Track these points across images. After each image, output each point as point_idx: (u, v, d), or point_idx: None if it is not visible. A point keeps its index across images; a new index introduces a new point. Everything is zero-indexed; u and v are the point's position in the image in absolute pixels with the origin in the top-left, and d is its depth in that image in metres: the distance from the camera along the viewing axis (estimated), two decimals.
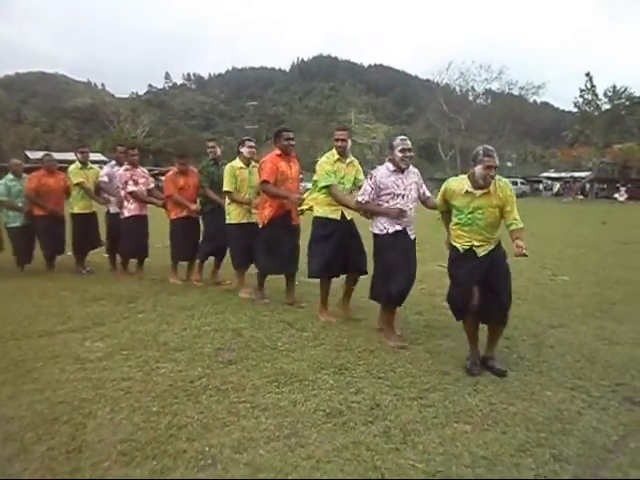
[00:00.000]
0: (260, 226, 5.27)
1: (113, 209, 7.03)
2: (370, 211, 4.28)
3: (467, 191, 3.62)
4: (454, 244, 3.74)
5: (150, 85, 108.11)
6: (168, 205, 6.53)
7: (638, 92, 63.63)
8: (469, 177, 3.64)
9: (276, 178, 5.07)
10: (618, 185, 42.82)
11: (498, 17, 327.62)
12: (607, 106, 61.93)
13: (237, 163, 5.73)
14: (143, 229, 6.84)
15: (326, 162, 4.73)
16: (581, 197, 44.84)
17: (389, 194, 4.17)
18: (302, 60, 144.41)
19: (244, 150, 5.76)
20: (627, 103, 63.56)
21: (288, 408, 3.08)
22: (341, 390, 3.34)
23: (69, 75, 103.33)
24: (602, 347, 4.27)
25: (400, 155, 4.14)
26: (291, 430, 2.81)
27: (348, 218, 4.76)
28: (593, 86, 62.32)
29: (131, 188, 6.60)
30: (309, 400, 3.19)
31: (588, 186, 47.84)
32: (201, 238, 6.54)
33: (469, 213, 3.64)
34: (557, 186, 51.37)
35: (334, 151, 4.79)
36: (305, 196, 5.07)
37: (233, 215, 5.70)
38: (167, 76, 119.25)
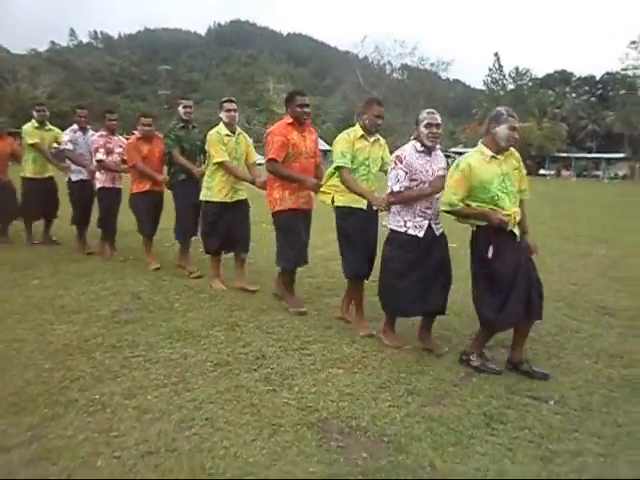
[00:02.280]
0: (273, 211, 4.32)
1: (75, 176, 6.29)
2: (407, 199, 3.56)
3: (492, 156, 3.29)
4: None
5: (52, 42, 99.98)
6: (131, 176, 5.76)
7: (540, 74, 68.06)
8: (485, 144, 3.34)
9: (287, 154, 4.17)
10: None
11: None
12: (512, 86, 65.73)
13: (222, 129, 4.81)
14: (114, 204, 6.08)
15: (345, 139, 3.91)
16: None
17: (415, 180, 3.54)
18: (219, 24, 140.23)
19: (222, 115, 4.83)
20: (530, 84, 67.82)
21: (178, 360, 3.33)
22: (230, 344, 3.64)
23: None
24: (467, 302, 4.86)
25: (425, 131, 3.51)
26: (179, 379, 3.07)
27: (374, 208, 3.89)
28: (501, 66, 65.80)
29: (100, 157, 5.86)
30: (199, 353, 3.46)
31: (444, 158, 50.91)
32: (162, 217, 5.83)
33: (501, 183, 3.27)
34: None
35: (357, 127, 3.97)
36: (324, 181, 4.14)
37: (215, 191, 4.77)
38: (72, 33, 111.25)
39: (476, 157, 3.31)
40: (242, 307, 4.41)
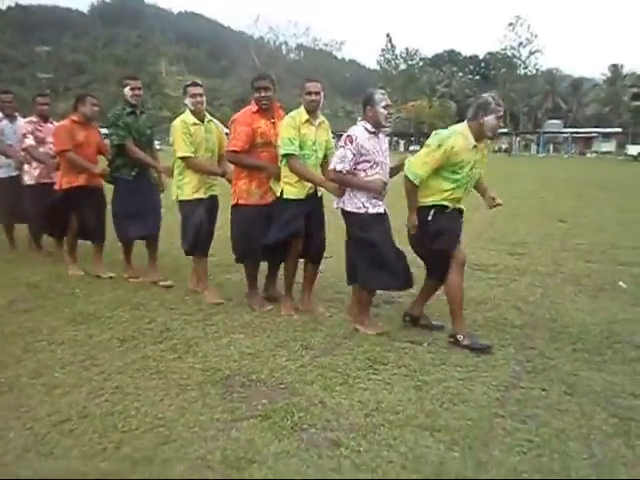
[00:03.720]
0: (232, 204, 4.08)
1: (4, 172, 5.61)
2: (347, 184, 3.57)
3: (475, 146, 3.38)
4: (442, 203, 3.50)
5: None
6: (60, 167, 4.86)
7: (429, 54, 71.33)
8: (470, 129, 3.39)
9: (253, 143, 3.91)
10: (412, 139, 48.83)
11: None
12: (403, 66, 68.43)
13: (189, 117, 4.25)
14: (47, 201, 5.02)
15: (290, 125, 3.74)
16: None
17: (368, 162, 3.52)
18: (103, 1, 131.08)
19: (187, 101, 4.27)
20: (421, 64, 70.95)
21: (84, 340, 3.45)
22: (135, 321, 3.79)
23: None
24: None
25: (385, 112, 3.52)
26: (86, 356, 3.20)
27: (318, 195, 3.93)
28: (393, 46, 68.25)
29: (29, 142, 5.17)
30: (105, 333, 3.58)
31: (387, 139, 53.13)
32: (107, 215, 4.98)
33: (470, 169, 3.41)
34: None
35: (301, 110, 3.81)
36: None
37: (187, 189, 4.27)
38: None
39: (461, 142, 3.34)
40: (145, 288, 4.55)
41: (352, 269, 3.73)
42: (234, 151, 3.93)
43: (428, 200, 3.53)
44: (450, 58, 75.06)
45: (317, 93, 3.79)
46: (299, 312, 4.06)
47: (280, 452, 2.27)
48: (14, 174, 5.59)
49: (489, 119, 3.30)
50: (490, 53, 70.41)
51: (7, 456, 2.22)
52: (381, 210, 3.59)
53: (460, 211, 3.66)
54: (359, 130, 3.55)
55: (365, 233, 3.56)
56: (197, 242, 4.31)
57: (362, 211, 3.55)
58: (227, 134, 4.34)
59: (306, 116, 3.80)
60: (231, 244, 4.21)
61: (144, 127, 4.73)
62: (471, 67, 75.36)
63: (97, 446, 2.29)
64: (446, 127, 3.64)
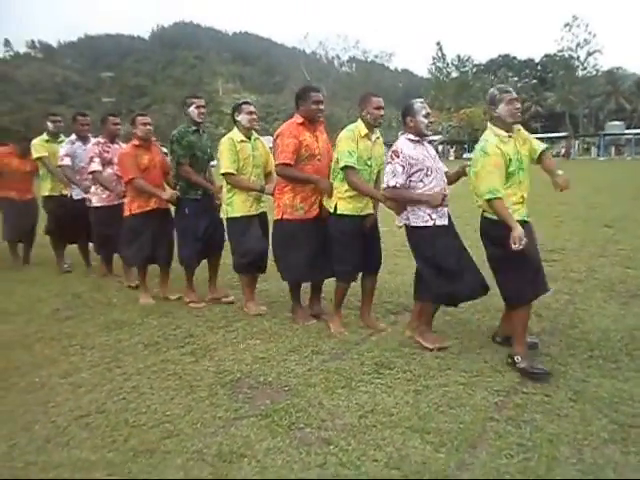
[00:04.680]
0: (276, 219, 4.07)
1: (77, 194, 5.69)
2: (405, 199, 3.50)
3: (509, 136, 3.28)
4: (515, 217, 3.18)
5: None
6: (127, 194, 4.79)
7: (482, 60, 70.11)
8: (495, 125, 3.31)
9: (299, 156, 3.90)
10: (465, 146, 48.10)
11: None
12: (456, 74, 67.58)
13: (236, 135, 4.32)
14: (116, 224, 4.97)
15: (350, 137, 3.73)
16: None
17: (421, 170, 3.46)
18: (162, 27, 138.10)
19: (242, 118, 4.33)
20: (474, 70, 69.83)
21: (113, 345, 3.73)
22: (162, 328, 4.06)
23: None
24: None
25: (425, 121, 3.53)
26: (112, 359, 3.48)
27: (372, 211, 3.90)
28: (443, 55, 67.56)
29: (95, 167, 5.15)
30: (133, 338, 3.87)
31: (440, 148, 52.40)
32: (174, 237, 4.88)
33: (518, 161, 3.26)
34: None
35: (360, 124, 3.78)
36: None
37: (237, 205, 4.29)
38: (7, 43, 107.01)
39: (495, 139, 3.25)
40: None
41: (419, 284, 3.70)
42: (285, 164, 3.87)
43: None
44: (505, 63, 73.38)
45: (383, 108, 3.80)
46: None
47: (271, 448, 2.41)
48: (82, 197, 5.63)
49: (501, 108, 3.27)
50: (547, 55, 68.30)
51: (30, 446, 2.48)
52: (446, 222, 3.54)
53: (527, 223, 3.33)
54: (403, 142, 3.54)
55: (432, 247, 3.48)
56: (251, 260, 4.32)
57: (430, 224, 3.47)
58: (270, 148, 4.46)
59: (365, 130, 3.77)
60: (273, 259, 4.24)
61: (206, 145, 4.76)
62: (527, 71, 73.30)
63: (108, 438, 2.52)
64: None
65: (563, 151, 47.43)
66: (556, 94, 60.81)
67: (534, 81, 70.87)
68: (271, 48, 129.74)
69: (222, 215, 4.45)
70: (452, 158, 48.60)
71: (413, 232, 3.55)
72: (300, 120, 3.95)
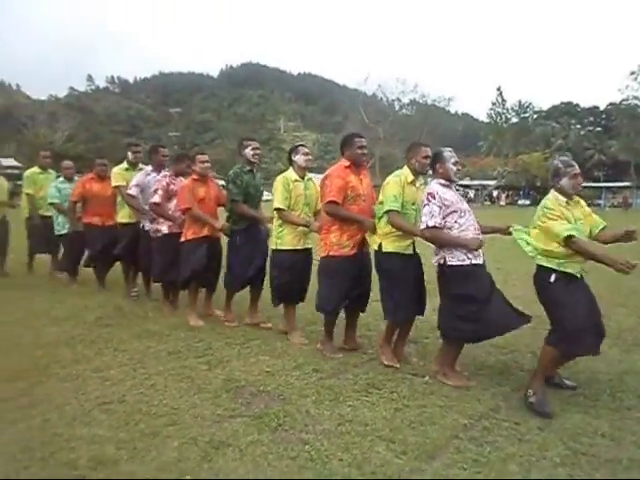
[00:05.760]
0: (323, 255, 4.30)
1: (148, 225, 5.65)
2: (444, 241, 3.67)
3: (567, 202, 3.50)
4: (568, 271, 3.42)
5: (71, 88, 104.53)
6: (185, 222, 5.20)
7: (544, 106, 69.52)
8: (558, 192, 3.53)
9: (345, 196, 4.19)
10: (521, 192, 47.56)
11: (418, 31, 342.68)
12: (515, 120, 67.17)
13: (291, 174, 4.66)
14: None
15: (397, 182, 3.96)
16: (488, 203, 48.70)
17: (455, 211, 3.66)
18: (230, 67, 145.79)
19: (299, 158, 4.67)
20: (535, 116, 69.18)
21: (141, 350, 4.27)
22: (187, 340, 4.57)
23: None
24: None
25: (454, 168, 3.78)
26: (138, 361, 4.00)
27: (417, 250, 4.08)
28: (503, 100, 67.46)
29: (156, 199, 5.32)
30: (160, 346, 4.39)
31: (495, 193, 51.92)
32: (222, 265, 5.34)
33: (577, 227, 3.45)
34: (470, 193, 55.63)
35: (406, 170, 4.04)
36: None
37: (286, 239, 4.58)
38: (89, 79, 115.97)
39: (555, 201, 3.49)
40: (203, 316, 5.34)
41: (447, 323, 3.78)
42: (333, 202, 4.11)
43: (552, 263, 3.47)
44: (567, 110, 72.37)
45: (430, 157, 3.99)
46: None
47: (255, 442, 2.81)
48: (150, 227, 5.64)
49: (564, 182, 3.50)
50: (612, 104, 66.89)
51: (59, 422, 3.01)
52: (481, 260, 3.70)
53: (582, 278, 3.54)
54: (436, 185, 3.75)
55: (467, 286, 3.61)
56: (289, 292, 4.68)
57: (466, 263, 3.62)
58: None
59: (412, 177, 4.01)
60: (317, 292, 4.42)
61: (259, 184, 5.13)
62: (591, 119, 71.95)
63: (122, 422, 3.00)
64: None
65: (622, 201, 45.84)
66: (620, 143, 59.20)
67: (598, 129, 69.37)
68: (333, 89, 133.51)
69: (271, 246, 4.78)
70: (503, 203, 47.89)
71: (448, 271, 3.68)
72: (347, 163, 4.24)
